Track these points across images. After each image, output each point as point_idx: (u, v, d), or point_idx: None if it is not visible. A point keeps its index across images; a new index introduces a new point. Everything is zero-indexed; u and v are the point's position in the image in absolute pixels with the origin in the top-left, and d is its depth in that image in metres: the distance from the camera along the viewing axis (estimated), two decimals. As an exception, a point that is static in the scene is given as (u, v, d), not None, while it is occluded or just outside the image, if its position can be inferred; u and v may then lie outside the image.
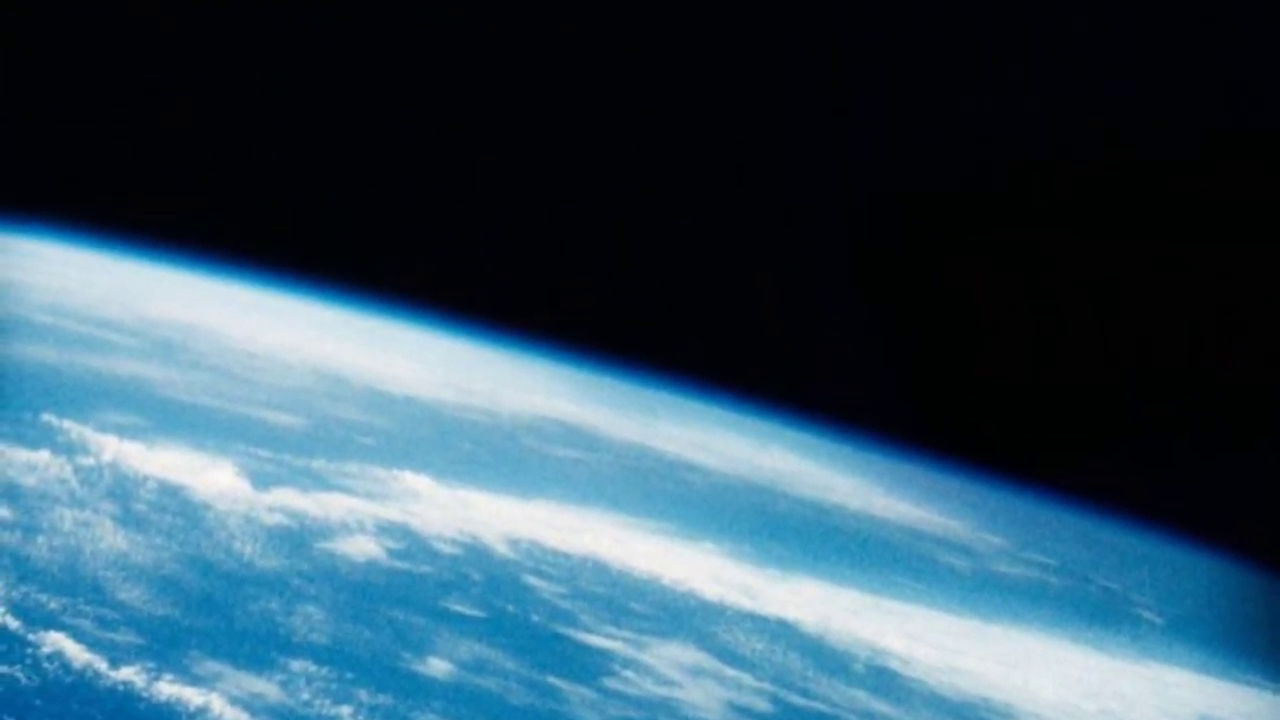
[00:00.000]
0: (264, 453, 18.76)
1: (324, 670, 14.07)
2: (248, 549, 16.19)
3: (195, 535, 16.20)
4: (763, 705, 16.10)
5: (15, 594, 13.89)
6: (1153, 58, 17.05)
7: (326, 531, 17.10)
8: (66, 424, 17.71)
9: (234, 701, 13.18)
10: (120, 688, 12.96)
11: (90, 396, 19.08)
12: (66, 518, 15.77)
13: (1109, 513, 20.67)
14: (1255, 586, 19.01)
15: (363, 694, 13.90)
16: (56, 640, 13.31)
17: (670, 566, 18.67)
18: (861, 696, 16.90)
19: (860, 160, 18.31)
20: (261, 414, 20.39)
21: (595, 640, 16.45)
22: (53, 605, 13.91)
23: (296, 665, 14.06)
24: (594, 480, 21.07)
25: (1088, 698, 18.42)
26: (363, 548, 17.00)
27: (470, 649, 15.39)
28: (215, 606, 14.82)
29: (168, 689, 13.08)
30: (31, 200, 20.01)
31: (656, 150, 18.80)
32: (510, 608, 16.70)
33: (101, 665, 13.17)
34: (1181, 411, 18.44)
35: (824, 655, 17.55)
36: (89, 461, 17.16)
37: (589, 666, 15.84)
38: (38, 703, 12.49)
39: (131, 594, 14.53)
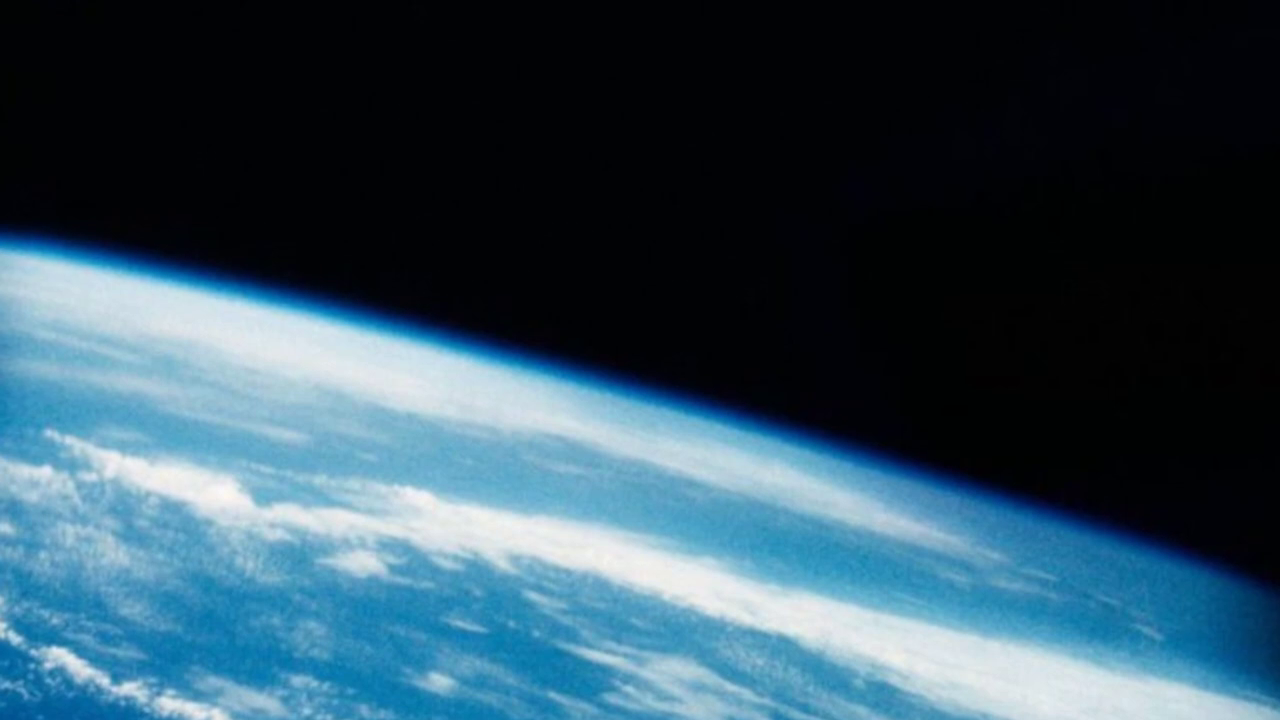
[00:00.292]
0: (266, 469, 18.81)
1: (325, 685, 14.11)
2: (249, 565, 16.23)
3: (197, 551, 16.24)
4: (763, 720, 16.15)
5: (18, 609, 13.93)
6: (1150, 79, 17.11)
7: (328, 547, 17.15)
8: (69, 440, 17.76)
9: (236, 716, 13.23)
10: (122, 703, 13.00)
11: (92, 412, 19.14)
12: (69, 533, 15.81)
13: (1108, 529, 20.71)
14: (1253, 602, 19.05)
15: (364, 709, 13.94)
16: (59, 656, 13.35)
17: (671, 582, 18.72)
18: (862, 712, 16.94)
19: (861, 180, 18.37)
20: (263, 430, 20.44)
21: (596, 656, 16.49)
22: (55, 621, 13.95)
23: (298, 680, 14.10)
24: (595, 496, 21.12)
25: (1087, 712, 18.47)
26: (364, 563, 17.04)
27: (471, 664, 15.42)
28: (217, 622, 14.86)
29: (170, 704, 13.12)
30: (34, 218, 20.06)
31: (660, 171, 18.85)
32: (511, 623, 16.74)
33: (104, 681, 13.21)
34: (1180, 428, 18.47)
35: (824, 670, 17.59)
36: (91, 477, 17.20)
37: (590, 682, 15.87)
38: (40, 718, 12.53)
39: (134, 609, 14.57)
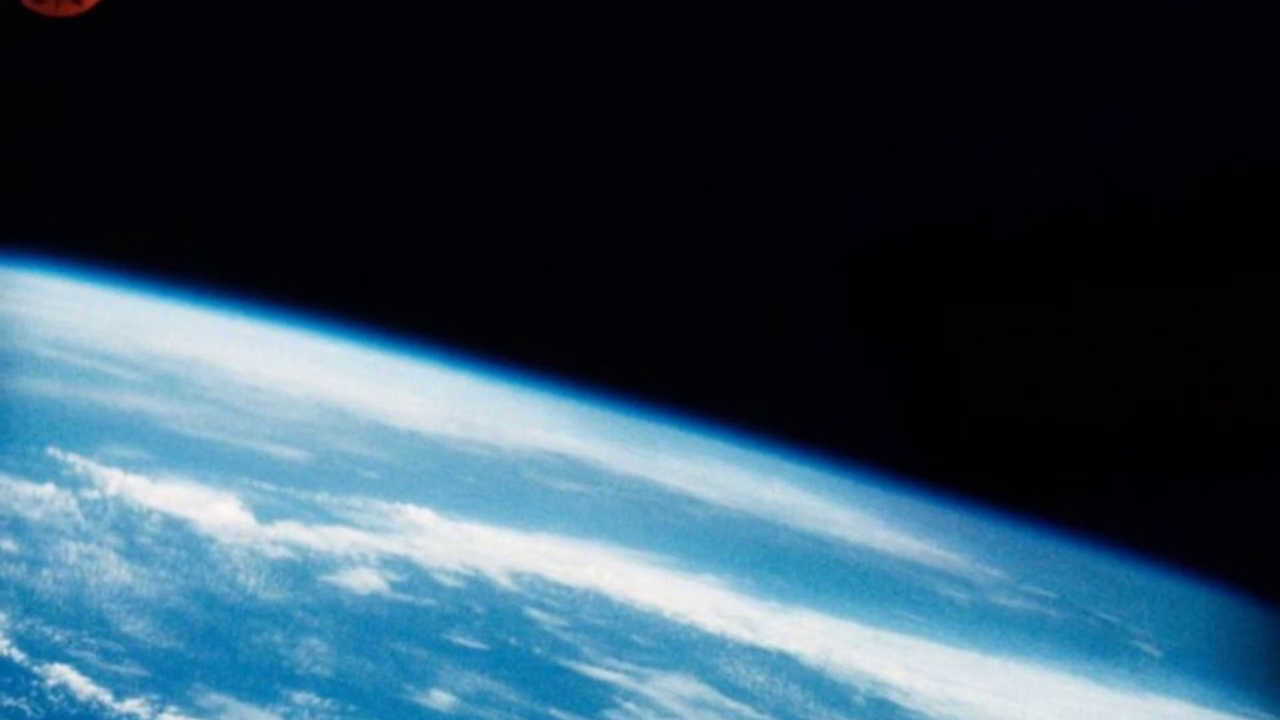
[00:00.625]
0: (268, 486, 18.79)
1: (327, 702, 14.11)
2: (251, 582, 16.23)
3: (199, 568, 16.24)
4: (763, 737, 16.15)
5: (20, 626, 13.94)
6: (1151, 97, 17.15)
7: (330, 564, 17.14)
8: (71, 458, 17.76)
9: (238, 733, 13.24)
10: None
11: (94, 430, 19.13)
12: (71, 551, 15.82)
13: (1107, 545, 20.71)
14: (1254, 619, 19.04)
15: (366, 726, 13.95)
16: (61, 673, 13.36)
17: (671, 599, 18.69)
18: (862, 729, 16.95)
19: (861, 197, 18.39)
20: (265, 448, 20.44)
21: (597, 672, 16.48)
22: (58, 638, 13.96)
23: (300, 697, 14.10)
24: (596, 513, 21.10)
25: (1086, 729, 18.47)
26: (366, 580, 17.04)
27: (473, 681, 15.42)
28: (219, 639, 14.86)
29: (172, 721, 13.14)
30: (36, 235, 20.08)
31: (660, 188, 18.89)
32: (512, 640, 16.73)
33: (106, 698, 13.22)
34: (1179, 444, 18.49)
35: (824, 687, 17.57)
36: (94, 495, 17.20)
37: (591, 699, 15.87)
38: (43, 734, 12.55)
39: (136, 626, 14.57)
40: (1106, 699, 19.17)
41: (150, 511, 17.22)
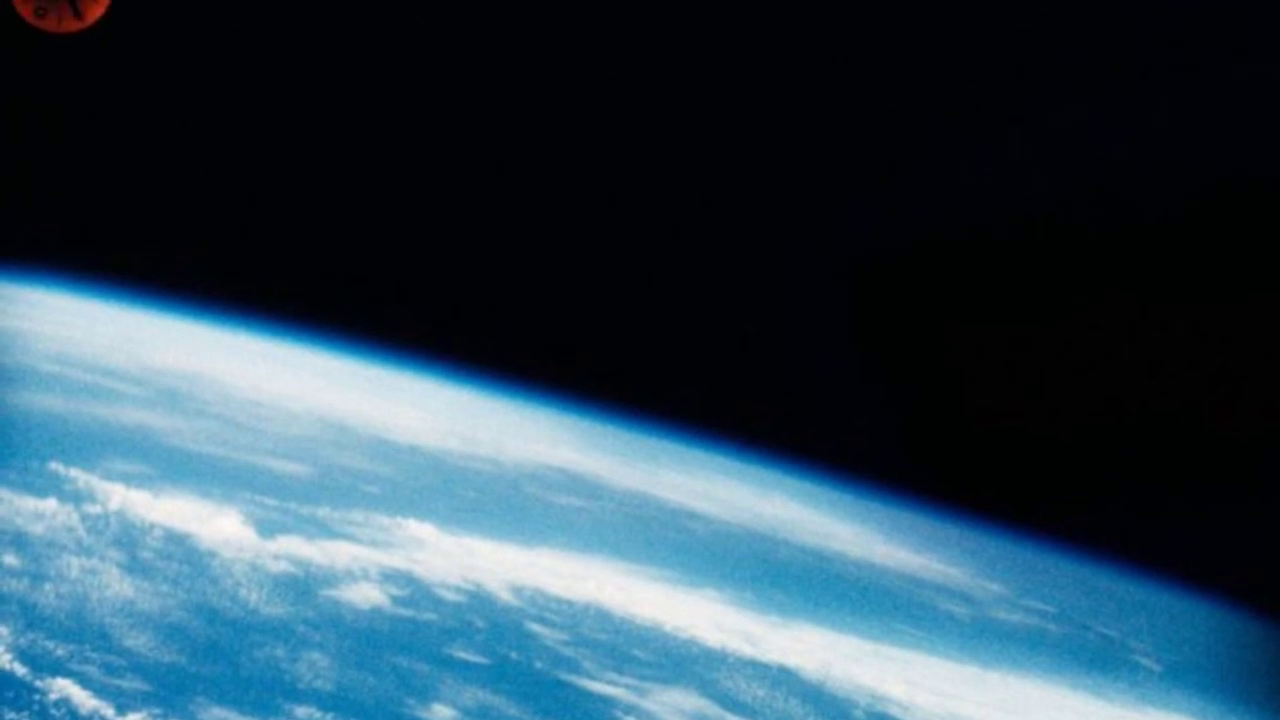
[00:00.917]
0: (269, 501, 18.83)
1: (329, 717, 14.14)
2: (253, 596, 16.26)
3: (201, 583, 16.27)
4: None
5: (23, 640, 13.97)
6: (1150, 112, 17.19)
7: (331, 579, 17.17)
8: (73, 472, 17.79)
9: (240, 747, 13.27)
10: (127, 734, 13.05)
11: (97, 445, 19.16)
12: (74, 565, 15.85)
13: (1107, 559, 20.73)
14: (1253, 633, 19.06)
15: (368, 740, 13.98)
16: (64, 687, 13.39)
17: (672, 613, 18.72)
18: (862, 743, 16.98)
19: (860, 211, 18.43)
20: (267, 462, 20.47)
21: (598, 687, 16.51)
22: (60, 652, 13.99)
23: (301, 712, 14.14)
24: (597, 528, 21.14)
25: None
26: (367, 595, 17.07)
27: (474, 695, 15.45)
28: (221, 653, 14.89)
29: (174, 735, 13.17)
30: (38, 251, 20.11)
31: (661, 205, 18.93)
32: (513, 654, 16.76)
33: (108, 712, 13.25)
34: (1179, 459, 18.51)
35: (824, 701, 17.60)
36: (96, 509, 17.23)
37: (592, 713, 15.90)
38: (46, 749, 12.58)
39: (138, 641, 14.60)
40: (1106, 713, 19.19)
41: (152, 526, 17.26)
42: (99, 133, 18.88)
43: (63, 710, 13.10)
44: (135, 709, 13.36)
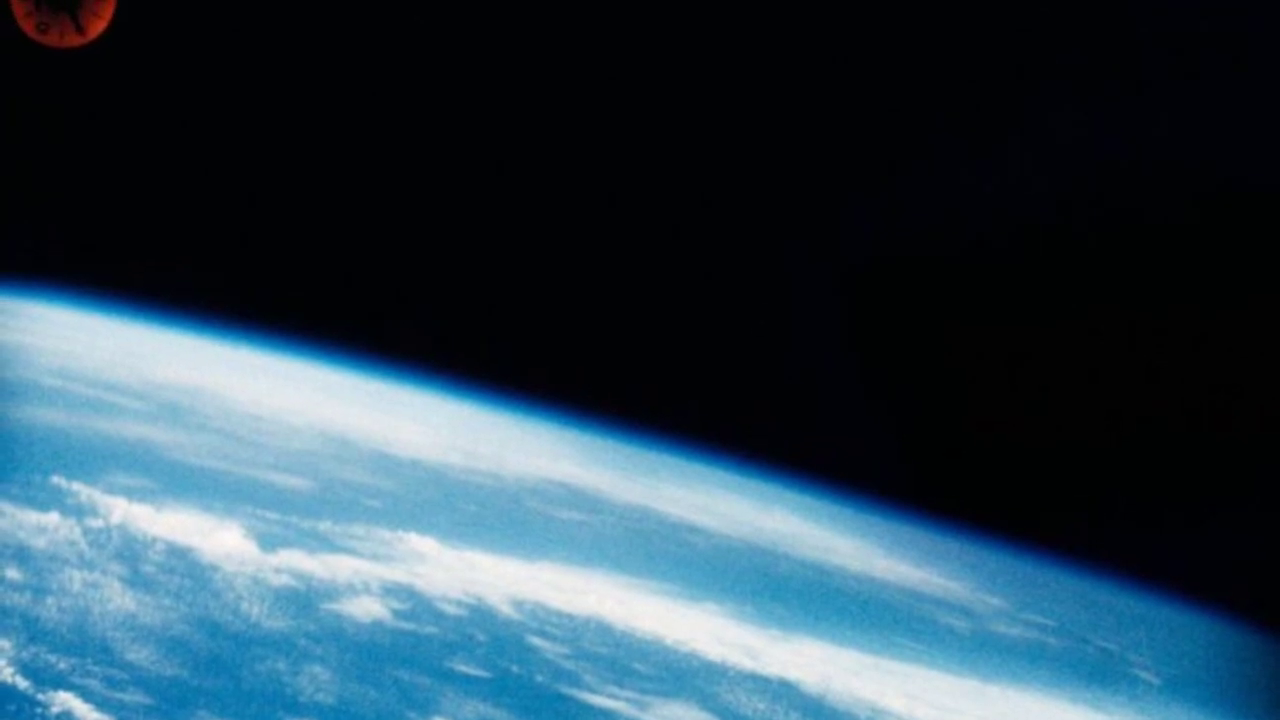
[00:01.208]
0: (271, 515, 18.84)
1: (330, 730, 14.18)
2: (255, 610, 16.28)
3: (203, 596, 16.29)
4: (764, 765, 16.18)
5: (25, 654, 14.00)
6: (1151, 118, 17.21)
7: (333, 592, 17.19)
8: (76, 486, 17.80)
9: (242, 760, 13.29)
10: (129, 747, 13.07)
11: (99, 459, 19.17)
12: (76, 579, 15.87)
13: (1106, 573, 20.72)
14: (1252, 647, 19.05)
15: (369, 753, 13.99)
16: (65, 700, 13.42)
17: (673, 627, 18.72)
18: (862, 756, 16.98)
19: (860, 223, 18.45)
20: (268, 476, 20.48)
21: (599, 700, 16.52)
22: (62, 665, 14.01)
23: (303, 725, 14.17)
24: (597, 542, 21.14)
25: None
26: (368, 608, 17.08)
27: (475, 709, 15.46)
28: (223, 667, 14.92)
29: (176, 748, 13.19)
30: (40, 264, 20.14)
31: (657, 216, 18.96)
32: (514, 668, 16.77)
33: (110, 725, 13.27)
34: (1178, 472, 18.52)
35: (825, 715, 17.60)
36: (98, 523, 17.25)
37: (592, 726, 15.93)
38: (48, 761, 12.60)
39: (140, 654, 14.63)
40: (1106, 727, 19.20)
41: (154, 540, 17.28)
42: (102, 147, 18.91)
43: (65, 723, 13.13)
44: (137, 722, 13.39)
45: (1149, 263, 17.61)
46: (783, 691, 17.95)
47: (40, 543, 16.45)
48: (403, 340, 21.32)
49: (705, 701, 17.12)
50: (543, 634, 17.81)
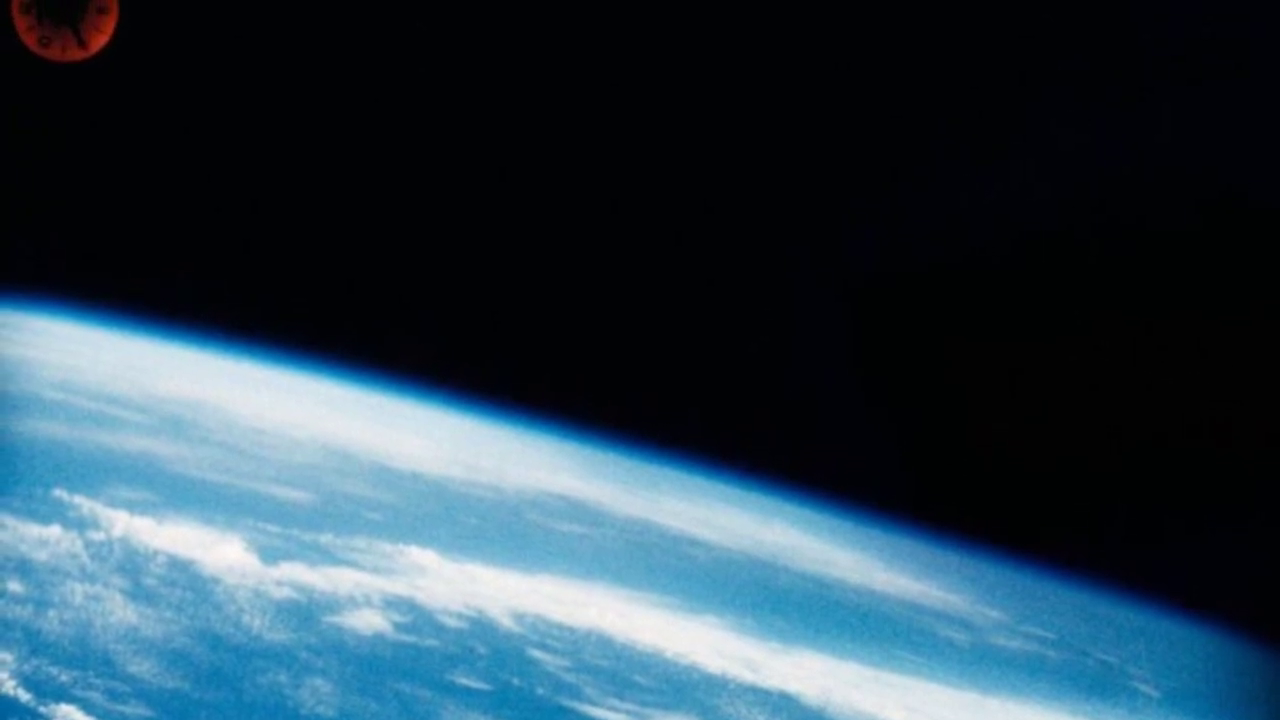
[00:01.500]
0: (272, 528, 18.84)
1: (331, 742, 14.18)
2: (256, 622, 16.29)
3: (204, 609, 16.30)
4: (764, 777, 16.18)
5: (27, 667, 14.02)
6: (1153, 128, 17.23)
7: (334, 605, 17.20)
8: (77, 499, 17.81)
9: (243, 772, 13.30)
10: (131, 759, 13.09)
11: (101, 472, 19.17)
12: (77, 592, 15.89)
13: (1106, 586, 20.73)
14: (1252, 660, 19.06)
15: (370, 765, 14.00)
16: (68, 713, 13.44)
17: (673, 640, 18.71)
18: (862, 769, 16.97)
19: (861, 235, 18.47)
20: (270, 489, 20.49)
21: (599, 713, 16.53)
22: (64, 678, 14.03)
23: (304, 737, 14.18)
24: (598, 555, 21.14)
25: (1086, 770, 18.47)
26: (370, 621, 17.09)
27: (476, 721, 15.48)
28: (224, 679, 14.93)
29: (178, 760, 13.20)
30: (42, 278, 20.17)
31: (657, 228, 18.99)
32: (515, 681, 16.78)
33: (112, 737, 13.29)
34: (1179, 484, 18.52)
35: (825, 728, 17.61)
36: (100, 536, 17.26)
37: (593, 739, 15.93)
38: (50, 773, 12.62)
39: (141, 667, 14.65)
40: (1105, 739, 19.18)
41: (156, 553, 17.29)
42: (104, 160, 18.94)
43: (66, 736, 13.14)
44: (139, 735, 13.41)
45: (1150, 271, 17.61)
46: (783, 704, 17.95)
47: (42, 556, 16.46)
48: (404, 354, 21.35)
49: (706, 714, 17.12)
50: (544, 646, 17.81)
